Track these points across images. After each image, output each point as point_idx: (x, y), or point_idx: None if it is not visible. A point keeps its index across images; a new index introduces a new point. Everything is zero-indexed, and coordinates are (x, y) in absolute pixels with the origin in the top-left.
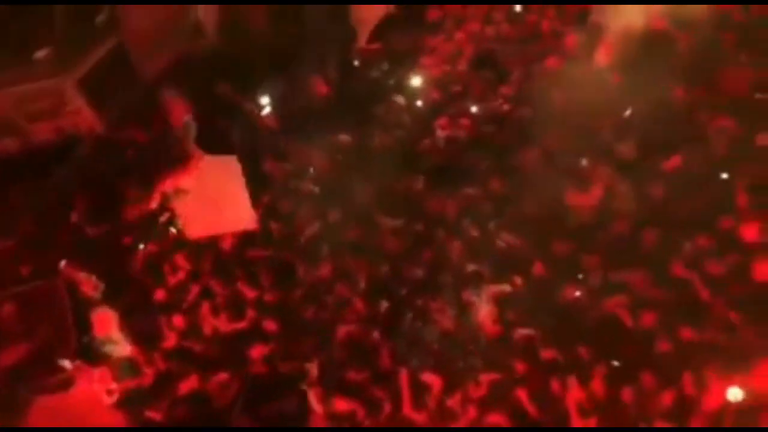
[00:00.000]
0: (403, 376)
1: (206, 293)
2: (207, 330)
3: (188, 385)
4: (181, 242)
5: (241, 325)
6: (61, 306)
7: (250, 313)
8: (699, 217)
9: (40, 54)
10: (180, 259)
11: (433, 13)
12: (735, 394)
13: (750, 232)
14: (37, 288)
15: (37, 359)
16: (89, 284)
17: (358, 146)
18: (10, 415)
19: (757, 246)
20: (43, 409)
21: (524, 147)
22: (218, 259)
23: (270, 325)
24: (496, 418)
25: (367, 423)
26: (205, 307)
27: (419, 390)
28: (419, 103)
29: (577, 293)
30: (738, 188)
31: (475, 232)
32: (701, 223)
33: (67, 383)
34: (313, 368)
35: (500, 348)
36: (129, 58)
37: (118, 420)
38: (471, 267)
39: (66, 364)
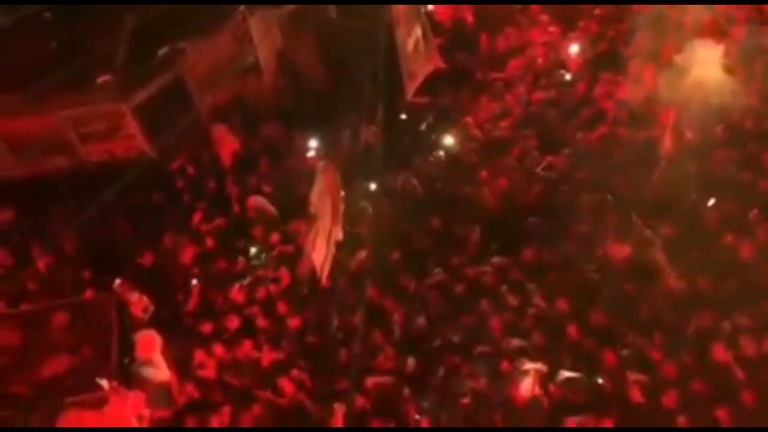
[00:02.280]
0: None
1: (248, 327)
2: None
3: (220, 417)
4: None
5: (278, 356)
6: (109, 324)
7: (288, 348)
8: None
9: (102, 79)
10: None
11: (482, 73)
12: None
13: None
14: (90, 302)
15: (77, 373)
16: (140, 305)
17: (404, 194)
18: (39, 423)
19: None
20: (71, 422)
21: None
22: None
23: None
24: None
25: None
26: (248, 341)
27: None
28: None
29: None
30: None
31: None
32: None
33: (101, 402)
34: (340, 409)
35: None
36: (187, 91)
37: None
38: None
39: (104, 383)
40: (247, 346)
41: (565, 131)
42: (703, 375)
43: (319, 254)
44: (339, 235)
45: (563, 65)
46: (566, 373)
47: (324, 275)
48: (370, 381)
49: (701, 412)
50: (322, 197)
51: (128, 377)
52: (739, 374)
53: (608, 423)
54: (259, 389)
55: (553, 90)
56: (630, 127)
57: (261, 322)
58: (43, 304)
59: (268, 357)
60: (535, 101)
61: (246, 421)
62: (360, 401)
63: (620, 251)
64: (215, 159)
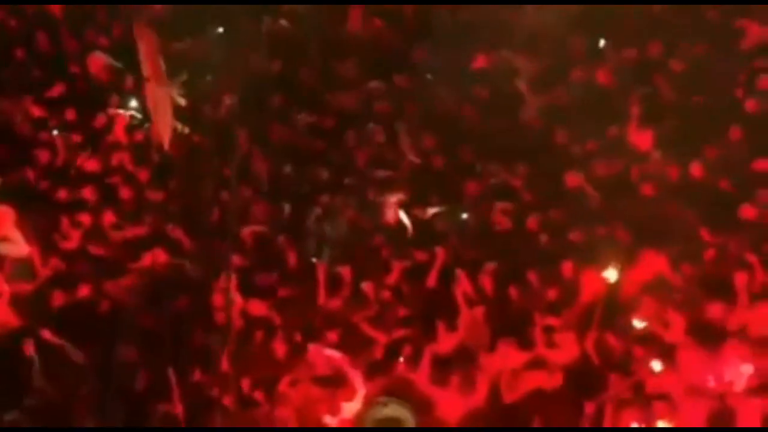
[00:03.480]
0: (320, 269)
1: (110, 197)
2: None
3: (86, 289)
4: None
5: (145, 229)
6: None
7: (154, 218)
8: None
9: None
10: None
11: None
12: (611, 274)
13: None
14: None
15: None
16: None
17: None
18: None
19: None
20: None
21: None
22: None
23: (175, 231)
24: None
25: (279, 321)
26: (109, 211)
27: (333, 281)
28: None
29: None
30: None
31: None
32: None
33: None
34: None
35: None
36: None
37: (10, 320)
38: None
39: None
40: (109, 217)
41: None
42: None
43: (161, 120)
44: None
45: None
46: (432, 209)
47: (166, 141)
48: (246, 231)
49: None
50: (146, 59)
51: None
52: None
53: (472, 253)
54: (130, 260)
55: None
56: None
57: (122, 192)
58: None
59: (133, 229)
60: None
61: (115, 291)
62: (239, 259)
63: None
64: (43, 9)
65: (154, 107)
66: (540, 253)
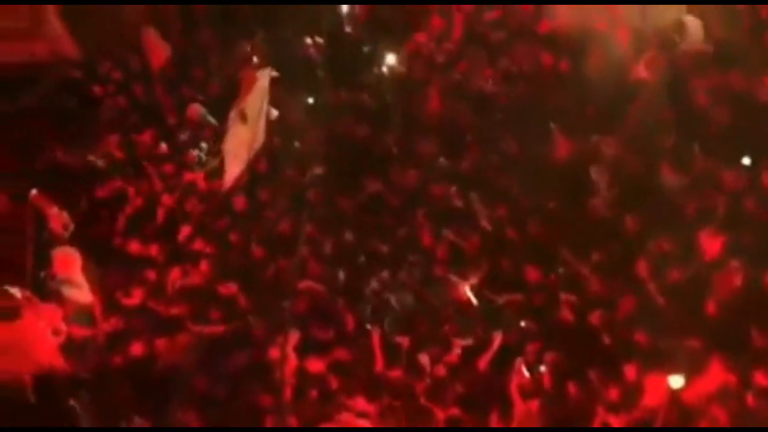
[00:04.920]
0: (375, 335)
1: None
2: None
3: (140, 347)
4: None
5: (199, 283)
6: (23, 234)
7: (209, 273)
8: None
9: None
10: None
11: None
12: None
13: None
14: (4, 215)
15: None
16: (59, 220)
17: (340, 107)
18: None
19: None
20: None
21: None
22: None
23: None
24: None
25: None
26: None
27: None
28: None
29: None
30: None
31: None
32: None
33: (13, 313)
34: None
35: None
36: None
37: (60, 363)
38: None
39: (15, 291)
40: (175, 272)
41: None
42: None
43: (235, 162)
44: (259, 141)
45: None
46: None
47: (230, 182)
48: (303, 284)
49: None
50: (248, 103)
51: (44, 291)
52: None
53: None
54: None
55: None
56: None
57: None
58: None
59: (194, 278)
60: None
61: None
62: (298, 306)
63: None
64: (145, 65)
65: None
66: (603, 351)
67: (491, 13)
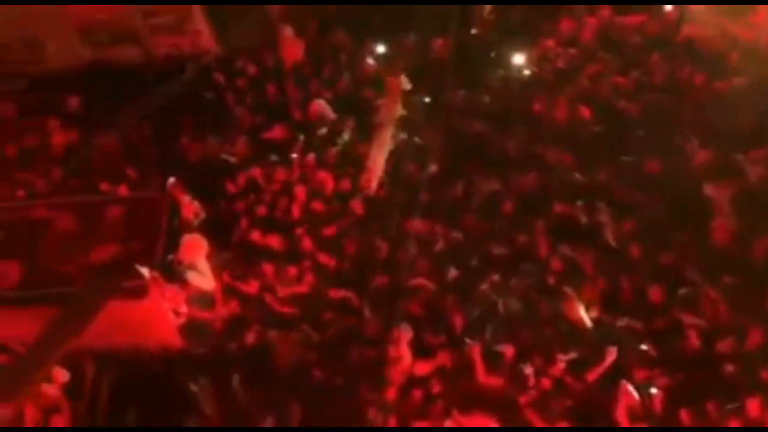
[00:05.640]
0: (476, 348)
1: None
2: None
3: (253, 336)
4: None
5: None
6: (158, 221)
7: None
8: None
9: None
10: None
11: None
12: None
13: None
14: (143, 198)
15: (121, 263)
16: (191, 208)
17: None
18: (83, 313)
19: None
20: (112, 312)
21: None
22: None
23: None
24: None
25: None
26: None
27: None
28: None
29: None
30: None
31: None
32: None
33: (140, 291)
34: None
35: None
36: None
37: (176, 343)
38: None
39: (144, 271)
40: (293, 268)
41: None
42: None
43: (378, 166)
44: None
45: None
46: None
47: (373, 184)
48: (414, 282)
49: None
50: (387, 111)
51: (170, 274)
52: None
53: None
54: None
55: (637, 15)
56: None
57: (311, 240)
58: (100, 196)
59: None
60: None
61: (282, 349)
62: (409, 307)
63: None
64: (279, 61)
65: (376, 154)
66: (725, 381)
67: (628, 18)
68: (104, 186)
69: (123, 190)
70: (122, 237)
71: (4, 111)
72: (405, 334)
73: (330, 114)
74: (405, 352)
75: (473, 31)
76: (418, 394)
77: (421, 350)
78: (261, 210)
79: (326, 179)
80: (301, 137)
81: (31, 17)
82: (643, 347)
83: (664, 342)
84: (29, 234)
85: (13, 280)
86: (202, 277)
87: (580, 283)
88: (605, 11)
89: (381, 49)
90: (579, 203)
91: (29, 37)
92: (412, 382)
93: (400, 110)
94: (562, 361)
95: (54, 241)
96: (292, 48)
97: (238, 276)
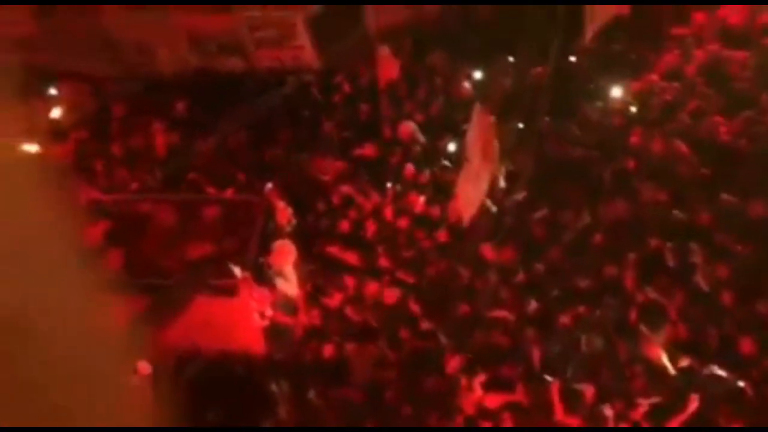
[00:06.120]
0: (555, 386)
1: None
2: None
3: (331, 348)
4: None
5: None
6: (254, 224)
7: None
8: None
9: None
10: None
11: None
12: None
13: None
14: (241, 201)
15: (217, 261)
16: (285, 214)
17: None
18: (173, 307)
19: None
20: (201, 308)
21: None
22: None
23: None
24: None
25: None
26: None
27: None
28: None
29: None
30: None
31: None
32: None
33: (231, 290)
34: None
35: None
36: (361, 10)
37: (258, 345)
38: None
39: (237, 271)
40: (373, 285)
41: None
42: None
43: (466, 197)
44: (495, 178)
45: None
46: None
47: (468, 218)
48: (492, 313)
49: None
50: (476, 140)
51: (260, 276)
52: None
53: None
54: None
55: (745, 51)
56: None
57: (395, 258)
58: (200, 195)
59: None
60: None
61: (360, 362)
62: (480, 338)
63: None
64: (374, 80)
65: (465, 183)
66: None
67: (736, 53)
68: (203, 186)
69: (221, 192)
70: (218, 236)
71: (116, 111)
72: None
73: (420, 136)
74: (477, 384)
75: (573, 59)
76: (486, 426)
77: (495, 383)
78: (348, 225)
79: (414, 202)
80: (392, 157)
81: (146, 25)
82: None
83: (751, 394)
84: (133, 226)
85: (114, 268)
86: (288, 284)
87: (663, 325)
88: (713, 45)
89: (478, 74)
90: (672, 242)
91: (143, 43)
92: (483, 413)
93: (490, 140)
94: (642, 405)
95: (155, 234)
96: (389, 67)
97: (321, 287)
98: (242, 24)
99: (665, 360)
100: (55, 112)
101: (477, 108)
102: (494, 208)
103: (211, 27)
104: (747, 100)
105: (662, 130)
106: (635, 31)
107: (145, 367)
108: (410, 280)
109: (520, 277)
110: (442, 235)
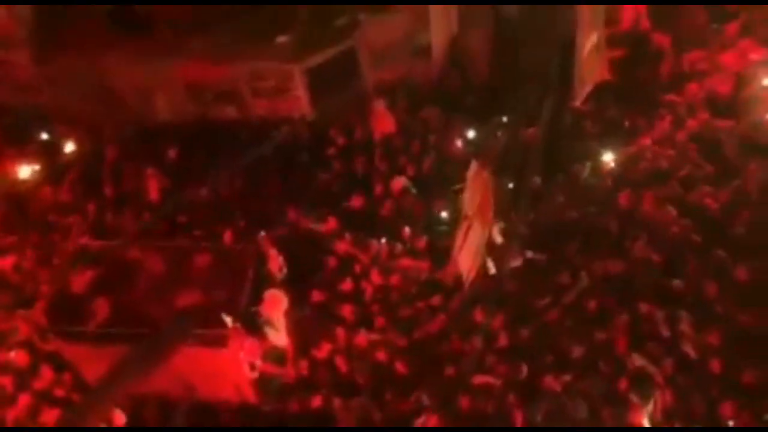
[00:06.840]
0: None
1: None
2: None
3: (318, 401)
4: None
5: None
6: (245, 272)
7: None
8: None
9: (281, 39)
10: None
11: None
12: None
13: None
14: (232, 249)
15: (206, 310)
16: (276, 263)
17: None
18: (157, 355)
19: None
20: (190, 357)
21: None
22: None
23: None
24: None
25: None
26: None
27: None
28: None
29: None
30: None
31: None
32: None
33: (221, 340)
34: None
35: None
36: (357, 63)
37: (249, 396)
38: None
39: (228, 320)
40: (362, 338)
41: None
42: None
43: (466, 257)
44: (494, 237)
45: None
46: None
47: (468, 280)
48: (477, 379)
49: None
50: (473, 198)
51: (250, 325)
52: None
53: None
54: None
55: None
56: None
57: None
58: (190, 243)
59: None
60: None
61: (343, 417)
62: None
63: None
64: (368, 134)
65: (462, 243)
66: None
67: (723, 122)
68: (194, 233)
69: (212, 239)
70: (209, 284)
71: (109, 155)
72: None
73: (412, 192)
74: None
75: (566, 121)
76: None
77: None
78: (339, 277)
79: (408, 264)
80: (383, 212)
81: (146, 72)
82: None
83: None
84: (121, 273)
85: (101, 317)
86: (278, 334)
87: (650, 392)
88: (704, 114)
89: (471, 133)
90: (661, 312)
91: (142, 89)
92: None
93: (486, 196)
94: None
95: (143, 282)
96: (384, 121)
97: (310, 338)
98: (242, 74)
99: (647, 425)
100: (49, 154)
101: (473, 164)
102: (493, 270)
103: (210, 76)
104: (734, 169)
105: (654, 193)
106: (627, 96)
107: (119, 417)
108: (400, 337)
109: (511, 341)
110: (435, 300)
